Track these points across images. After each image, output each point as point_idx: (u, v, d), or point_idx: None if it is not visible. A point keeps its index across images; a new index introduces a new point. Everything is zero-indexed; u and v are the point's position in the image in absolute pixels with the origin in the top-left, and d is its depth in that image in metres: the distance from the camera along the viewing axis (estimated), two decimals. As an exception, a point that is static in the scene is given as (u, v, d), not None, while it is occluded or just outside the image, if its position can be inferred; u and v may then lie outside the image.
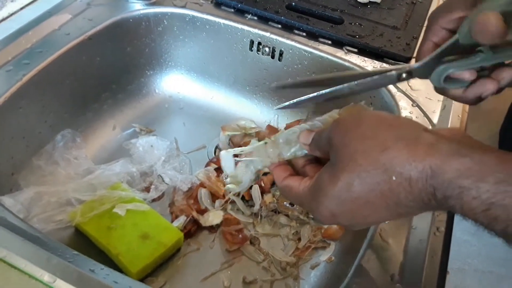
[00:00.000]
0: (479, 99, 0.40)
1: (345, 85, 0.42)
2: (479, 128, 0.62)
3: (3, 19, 0.72)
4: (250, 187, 0.70)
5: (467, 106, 0.65)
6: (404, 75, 0.41)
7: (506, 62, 0.39)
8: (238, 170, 0.44)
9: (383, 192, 0.30)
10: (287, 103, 0.44)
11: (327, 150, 0.35)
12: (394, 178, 0.29)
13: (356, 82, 0.41)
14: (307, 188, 0.36)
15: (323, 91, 0.42)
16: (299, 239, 0.68)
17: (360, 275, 0.47)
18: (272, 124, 0.82)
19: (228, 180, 0.45)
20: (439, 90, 0.43)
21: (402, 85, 0.69)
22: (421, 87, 0.69)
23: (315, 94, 0.42)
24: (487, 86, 0.39)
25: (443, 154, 0.28)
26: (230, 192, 0.46)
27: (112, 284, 0.42)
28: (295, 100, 0.43)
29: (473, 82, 0.39)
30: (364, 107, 0.43)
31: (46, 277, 0.41)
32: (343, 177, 0.32)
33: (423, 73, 0.40)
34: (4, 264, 0.42)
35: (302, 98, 0.43)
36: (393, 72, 0.41)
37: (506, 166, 0.27)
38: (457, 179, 0.27)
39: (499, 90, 0.40)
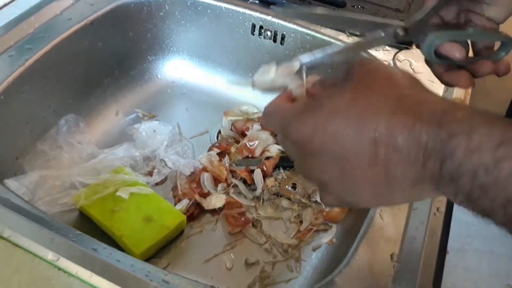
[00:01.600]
0: (449, 85, 0.45)
1: (346, 44, 0.43)
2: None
3: (5, 5, 0.72)
4: (252, 171, 0.71)
5: (469, 88, 0.65)
6: (400, 32, 0.42)
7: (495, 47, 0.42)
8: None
9: (385, 116, 0.28)
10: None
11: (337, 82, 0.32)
12: (402, 109, 0.28)
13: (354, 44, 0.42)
14: (301, 103, 0.33)
15: (330, 51, 0.41)
16: (301, 222, 0.68)
17: (360, 255, 0.48)
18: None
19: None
20: (428, 62, 0.44)
21: (405, 67, 0.68)
22: (424, 70, 0.68)
23: (319, 54, 0.41)
24: (461, 81, 0.42)
25: (456, 106, 0.27)
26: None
27: (114, 262, 0.43)
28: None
29: (450, 70, 0.42)
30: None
31: (50, 255, 0.42)
32: (349, 99, 0.29)
33: (418, 33, 0.41)
34: (9, 243, 0.43)
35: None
36: (390, 29, 0.42)
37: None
38: (471, 130, 0.25)
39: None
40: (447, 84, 0.45)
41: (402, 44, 0.70)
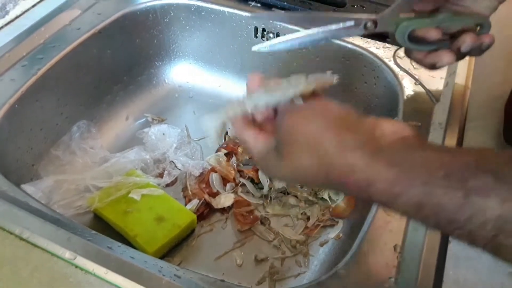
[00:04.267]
0: (433, 66, 0.45)
1: (319, 31, 0.44)
2: (480, 104, 0.63)
3: (17, 17, 0.75)
4: (257, 169, 0.73)
5: (469, 82, 0.66)
6: (368, 24, 0.43)
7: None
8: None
9: (325, 182, 0.34)
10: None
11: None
12: (332, 179, 0.33)
13: (323, 29, 0.43)
14: (259, 157, 0.39)
15: (299, 35, 0.44)
16: (308, 218, 0.70)
17: (364, 247, 0.49)
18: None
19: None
20: (407, 52, 0.46)
21: (405, 63, 0.70)
22: (424, 66, 0.70)
23: (292, 36, 0.44)
24: (443, 57, 0.43)
25: (378, 166, 0.30)
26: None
27: (129, 259, 0.45)
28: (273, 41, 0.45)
29: (433, 51, 0.43)
30: (330, 77, 0.41)
31: (67, 254, 0.44)
32: (288, 168, 0.36)
33: (389, 24, 0.43)
34: (28, 244, 0.45)
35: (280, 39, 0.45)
36: (360, 20, 0.43)
37: (429, 167, 0.29)
38: (389, 188, 0.30)
39: (461, 57, 0.44)
40: (431, 66, 0.45)
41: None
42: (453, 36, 0.44)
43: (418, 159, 0.30)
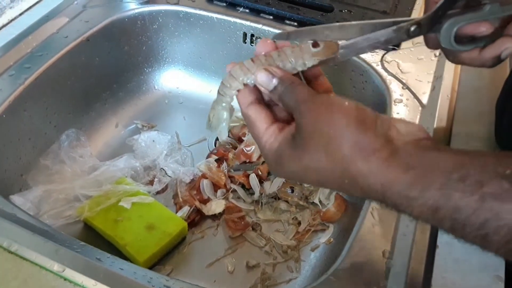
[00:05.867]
0: (497, 60, 0.39)
1: (358, 39, 0.39)
2: (468, 106, 0.63)
3: (3, 26, 0.74)
4: (248, 175, 0.73)
5: (456, 86, 0.66)
6: (412, 28, 0.38)
7: None
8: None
9: (336, 185, 0.33)
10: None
11: (290, 113, 0.36)
12: (346, 181, 0.32)
13: (365, 36, 0.38)
14: (269, 149, 0.36)
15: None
16: (299, 223, 0.70)
17: (354, 253, 0.49)
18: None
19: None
20: (451, 56, 0.40)
21: (392, 68, 0.70)
22: (411, 70, 0.70)
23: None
24: (507, 44, 0.37)
25: (394, 170, 0.30)
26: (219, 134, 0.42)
27: (117, 270, 0.45)
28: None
29: (488, 43, 0.38)
30: (336, 44, 0.39)
31: (55, 267, 0.44)
32: (302, 163, 0.34)
33: (433, 25, 0.38)
34: (16, 256, 0.45)
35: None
36: (403, 24, 0.38)
37: (445, 170, 0.29)
38: (405, 191, 0.30)
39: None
40: (494, 61, 0.39)
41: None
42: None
43: (433, 161, 0.30)
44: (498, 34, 0.38)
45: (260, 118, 0.37)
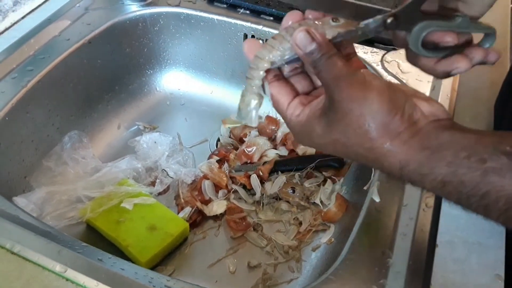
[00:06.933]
0: (447, 75, 0.41)
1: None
2: (468, 106, 0.63)
3: (6, 29, 0.75)
4: (249, 176, 0.73)
5: (456, 85, 0.66)
6: (389, 20, 0.38)
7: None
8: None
9: (360, 158, 0.36)
10: None
11: (312, 84, 0.39)
12: (370, 157, 0.35)
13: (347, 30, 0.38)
14: (296, 122, 0.38)
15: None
16: (300, 224, 0.70)
17: (353, 252, 0.49)
18: (270, 114, 0.85)
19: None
20: (411, 59, 0.42)
21: (393, 68, 0.70)
22: (412, 70, 0.70)
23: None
24: (460, 63, 0.39)
25: (412, 150, 0.34)
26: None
27: (119, 271, 0.45)
28: None
29: (447, 56, 0.39)
30: (355, 22, 0.39)
31: (57, 267, 0.45)
32: (332, 137, 0.36)
33: (408, 21, 0.38)
34: (19, 257, 0.46)
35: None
36: (379, 16, 0.38)
37: (455, 149, 0.32)
38: (419, 169, 0.34)
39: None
40: (444, 74, 0.41)
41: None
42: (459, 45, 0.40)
43: (445, 141, 0.33)
44: (459, 50, 0.40)
45: (282, 94, 0.39)
